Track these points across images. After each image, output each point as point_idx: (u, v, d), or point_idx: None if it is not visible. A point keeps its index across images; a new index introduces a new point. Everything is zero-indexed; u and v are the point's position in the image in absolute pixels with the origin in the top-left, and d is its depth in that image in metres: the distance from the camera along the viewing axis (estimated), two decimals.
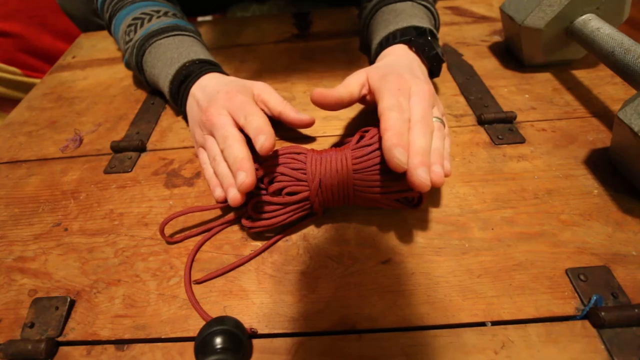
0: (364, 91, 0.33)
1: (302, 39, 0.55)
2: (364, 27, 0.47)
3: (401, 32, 0.39)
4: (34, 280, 0.29)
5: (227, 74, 0.39)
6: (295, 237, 0.30)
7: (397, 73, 0.31)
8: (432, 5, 0.44)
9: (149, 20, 0.43)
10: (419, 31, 0.38)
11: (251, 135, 0.29)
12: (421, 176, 0.25)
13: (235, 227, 0.31)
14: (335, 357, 0.24)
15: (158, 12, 0.44)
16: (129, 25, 0.43)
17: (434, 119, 0.30)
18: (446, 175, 0.29)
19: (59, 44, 0.79)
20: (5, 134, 0.44)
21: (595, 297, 0.25)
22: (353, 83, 0.33)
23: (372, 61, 0.42)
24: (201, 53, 0.40)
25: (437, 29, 0.45)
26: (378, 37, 0.41)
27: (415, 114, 0.29)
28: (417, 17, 0.41)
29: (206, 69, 0.38)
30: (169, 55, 0.40)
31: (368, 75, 0.33)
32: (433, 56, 0.37)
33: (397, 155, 0.25)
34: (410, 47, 0.38)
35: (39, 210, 0.34)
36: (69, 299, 0.27)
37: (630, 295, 0.25)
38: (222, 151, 0.31)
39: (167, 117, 0.44)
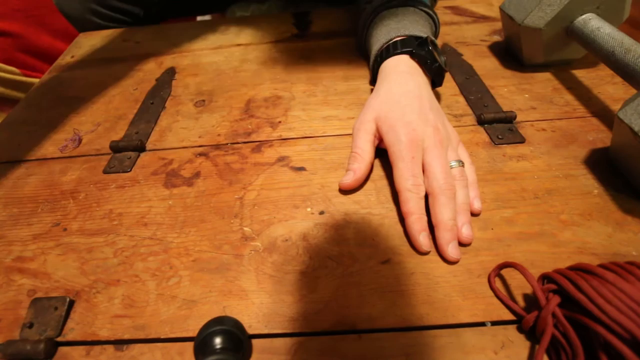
0: (376, 142, 0.35)
1: (301, 39, 0.55)
2: (363, 30, 0.46)
3: (402, 42, 0.38)
4: (33, 280, 0.29)
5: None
6: (295, 237, 0.30)
7: (406, 121, 0.32)
8: (432, 11, 0.44)
9: None
10: (419, 41, 0.38)
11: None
12: (452, 253, 0.27)
13: (235, 227, 0.31)
14: (335, 357, 0.24)
15: None
16: None
17: (453, 165, 0.31)
18: (477, 214, 0.30)
19: (57, 44, 0.79)
20: (4, 134, 0.44)
21: None
22: (367, 150, 0.33)
23: (372, 70, 0.42)
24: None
25: (437, 35, 0.46)
26: (378, 43, 0.41)
27: (435, 181, 0.29)
28: (419, 25, 0.41)
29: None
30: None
31: (377, 124, 0.34)
32: (436, 69, 0.37)
33: (423, 241, 0.28)
34: (412, 58, 0.38)
35: (38, 210, 0.34)
36: (68, 299, 0.27)
37: None
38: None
39: (167, 116, 0.44)
